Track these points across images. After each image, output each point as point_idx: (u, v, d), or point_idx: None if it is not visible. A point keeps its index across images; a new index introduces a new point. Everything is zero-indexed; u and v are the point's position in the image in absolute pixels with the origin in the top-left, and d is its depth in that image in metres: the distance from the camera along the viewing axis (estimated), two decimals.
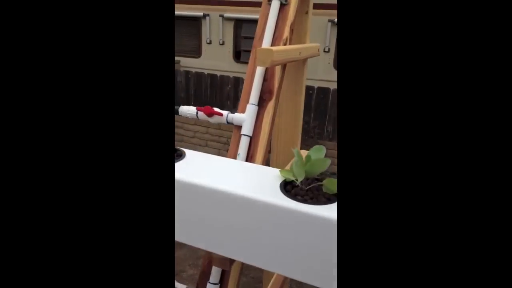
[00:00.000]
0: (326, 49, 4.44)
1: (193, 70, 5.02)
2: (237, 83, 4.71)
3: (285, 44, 1.02)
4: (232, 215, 0.66)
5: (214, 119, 1.01)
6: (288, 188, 0.67)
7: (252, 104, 0.99)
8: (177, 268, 3.39)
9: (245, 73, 1.03)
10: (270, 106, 0.99)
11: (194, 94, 5.03)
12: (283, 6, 1.04)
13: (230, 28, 4.92)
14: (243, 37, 4.85)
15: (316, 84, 4.39)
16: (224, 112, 1.01)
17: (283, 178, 0.70)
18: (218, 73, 4.87)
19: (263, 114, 0.99)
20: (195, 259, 3.45)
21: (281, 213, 0.62)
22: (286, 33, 1.01)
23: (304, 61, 1.17)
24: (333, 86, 4.21)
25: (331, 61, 4.50)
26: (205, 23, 5.02)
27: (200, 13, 4.98)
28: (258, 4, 1.07)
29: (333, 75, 4.44)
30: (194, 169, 0.73)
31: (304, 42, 1.18)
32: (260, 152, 0.97)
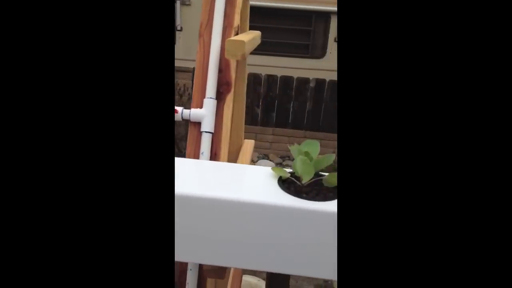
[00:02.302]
0: None
1: None
2: None
3: (236, 33, 0.97)
4: (239, 224, 0.62)
5: None
6: (286, 186, 0.66)
7: (210, 98, 0.92)
8: None
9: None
10: (229, 99, 0.94)
11: None
12: None
13: None
14: None
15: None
16: (179, 109, 0.92)
17: (277, 176, 0.69)
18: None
19: (223, 108, 0.94)
20: None
21: (295, 214, 0.60)
22: (237, 21, 0.96)
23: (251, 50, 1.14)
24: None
25: None
26: None
27: None
28: None
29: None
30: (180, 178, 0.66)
31: (245, 29, 1.14)
32: (224, 149, 0.92)
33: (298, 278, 2.54)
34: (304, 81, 4.14)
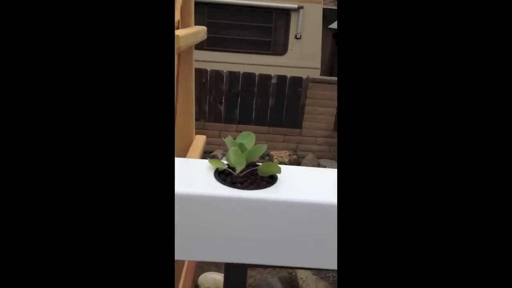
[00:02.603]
0: None
1: None
2: None
3: (177, 28, 0.97)
4: (182, 216, 0.62)
5: None
6: (223, 177, 0.67)
7: None
8: None
9: None
10: None
11: None
12: None
13: None
14: None
15: None
16: None
17: (214, 168, 0.70)
18: None
19: None
20: None
21: (234, 203, 0.62)
22: (177, 15, 0.96)
23: (193, 45, 1.14)
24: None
25: None
26: None
27: None
28: None
29: None
30: None
31: (189, 25, 1.14)
32: None
33: (263, 271, 2.57)
34: (266, 78, 4.18)
